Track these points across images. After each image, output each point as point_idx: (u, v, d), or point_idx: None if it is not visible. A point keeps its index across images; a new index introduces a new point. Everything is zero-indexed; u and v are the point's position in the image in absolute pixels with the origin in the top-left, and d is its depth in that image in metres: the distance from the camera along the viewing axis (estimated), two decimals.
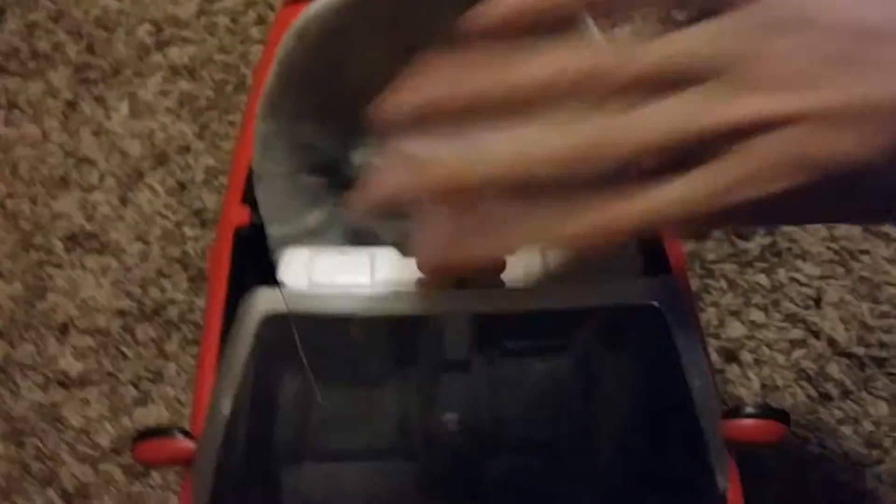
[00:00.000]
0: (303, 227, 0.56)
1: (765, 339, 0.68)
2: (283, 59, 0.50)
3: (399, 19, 0.50)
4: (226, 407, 0.42)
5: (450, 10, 0.48)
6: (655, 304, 0.44)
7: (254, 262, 0.52)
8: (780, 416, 0.46)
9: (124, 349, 0.69)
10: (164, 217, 0.76)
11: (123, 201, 0.77)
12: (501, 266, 0.45)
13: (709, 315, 0.69)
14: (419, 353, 0.57)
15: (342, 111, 0.55)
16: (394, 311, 0.44)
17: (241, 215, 0.55)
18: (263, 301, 0.44)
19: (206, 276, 0.64)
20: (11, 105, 0.84)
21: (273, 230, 0.55)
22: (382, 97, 0.41)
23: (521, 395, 0.57)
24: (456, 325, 0.54)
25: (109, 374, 0.68)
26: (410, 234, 0.57)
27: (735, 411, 0.46)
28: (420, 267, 0.45)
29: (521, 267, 0.45)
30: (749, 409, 0.45)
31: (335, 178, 0.57)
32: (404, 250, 0.49)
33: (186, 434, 0.44)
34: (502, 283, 0.45)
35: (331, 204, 0.57)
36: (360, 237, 0.58)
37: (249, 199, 0.55)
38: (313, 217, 0.56)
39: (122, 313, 0.71)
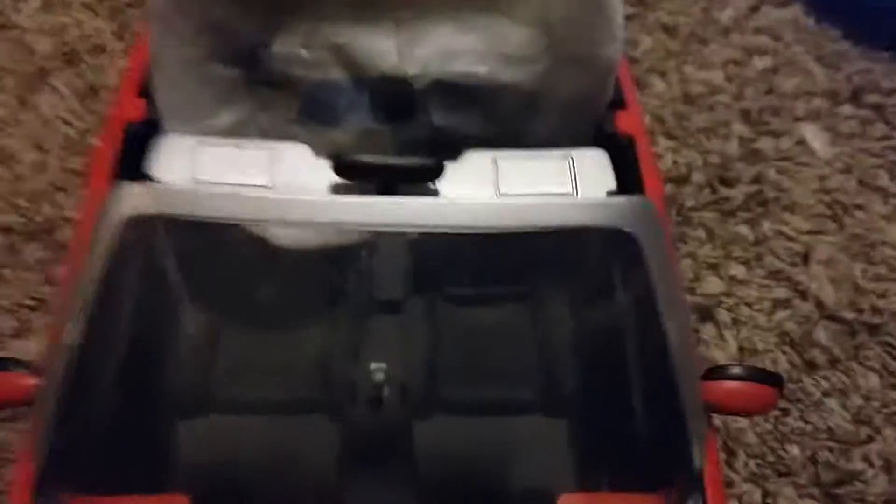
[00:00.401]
0: (210, 129, 0.46)
1: (745, 297, 0.60)
2: None
3: None
4: (73, 333, 0.33)
5: None
6: (628, 229, 0.35)
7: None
8: (772, 380, 0.38)
9: (5, 271, 0.59)
10: (68, 124, 0.66)
11: (22, 103, 0.67)
12: (437, 169, 0.36)
13: (684, 267, 0.60)
14: (344, 288, 0.48)
15: None
16: (297, 218, 0.34)
17: (134, 109, 0.45)
18: (129, 199, 0.34)
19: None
20: None
21: (173, 128, 0.45)
22: None
23: (463, 347, 0.48)
24: (389, 261, 0.45)
25: None
26: (341, 143, 0.48)
27: (718, 371, 0.38)
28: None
29: (464, 176, 0.36)
30: (736, 370, 0.37)
31: (253, 70, 0.47)
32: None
33: (31, 368, 0.35)
34: (435, 193, 0.36)
35: (247, 102, 0.48)
36: None
37: (147, 92, 0.45)
38: (225, 117, 0.47)
39: (7, 230, 0.61)
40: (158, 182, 0.36)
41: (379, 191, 0.36)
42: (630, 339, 0.39)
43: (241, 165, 0.36)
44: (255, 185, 0.36)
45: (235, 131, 0.47)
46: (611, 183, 0.38)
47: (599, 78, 0.45)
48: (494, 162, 0.38)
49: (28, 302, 0.58)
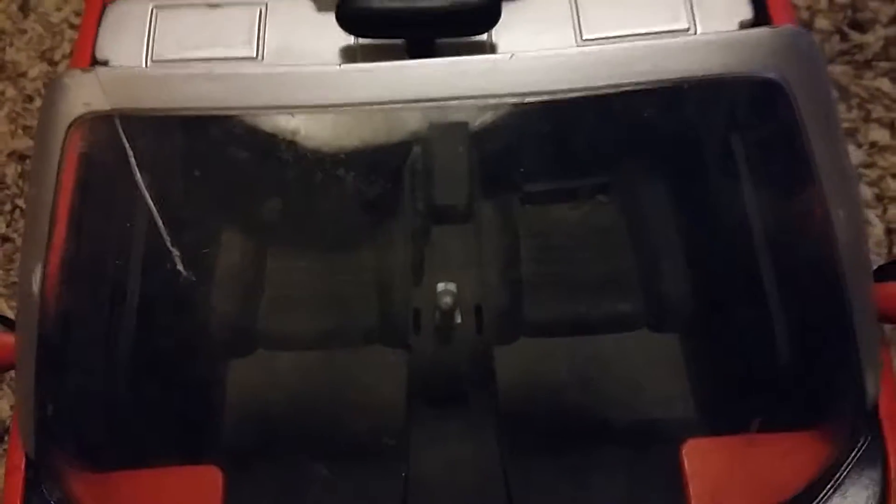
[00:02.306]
0: None
1: (890, 166, 0.48)
2: None
3: None
4: (36, 273, 0.25)
5: None
6: (774, 76, 0.24)
7: None
8: None
9: (21, 203, 0.52)
10: (74, 27, 0.58)
11: (24, 9, 0.59)
12: (491, 11, 0.25)
13: None
14: (396, 195, 0.38)
15: None
16: (299, 102, 0.25)
17: None
18: (75, 92, 0.25)
19: None
20: None
21: None
22: None
23: (548, 256, 0.38)
24: (446, 156, 0.35)
25: (4, 237, 0.52)
26: None
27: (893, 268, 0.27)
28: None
29: (529, 19, 0.26)
30: None
31: None
32: None
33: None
34: (492, 50, 0.26)
35: None
36: None
37: None
38: None
39: (19, 156, 0.54)
40: (108, 66, 0.26)
41: (409, 51, 0.26)
42: (771, 229, 0.29)
43: (215, 32, 0.27)
44: (233, 59, 0.26)
45: None
46: (744, 10, 0.27)
47: None
48: None
49: None
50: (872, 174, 0.49)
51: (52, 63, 0.56)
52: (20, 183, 0.53)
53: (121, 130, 0.25)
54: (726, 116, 0.29)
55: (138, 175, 0.25)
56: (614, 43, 0.26)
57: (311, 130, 0.33)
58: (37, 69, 0.56)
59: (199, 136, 0.27)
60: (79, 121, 0.25)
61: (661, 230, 0.36)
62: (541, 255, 0.37)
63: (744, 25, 0.27)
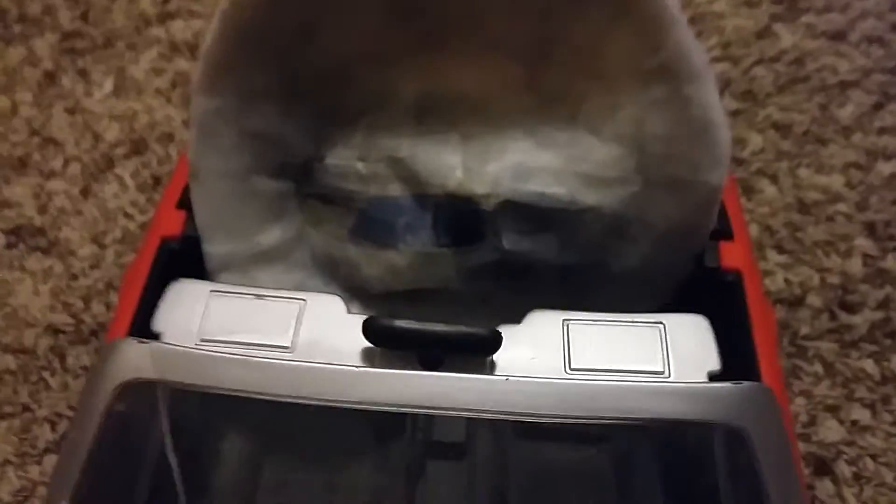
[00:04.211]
0: (256, 247, 0.41)
1: (869, 447, 0.51)
2: (230, 11, 0.36)
3: None
4: None
5: None
6: (737, 424, 0.27)
7: None
8: None
9: (48, 376, 0.55)
10: (129, 217, 0.63)
11: (85, 193, 0.64)
12: (493, 341, 0.29)
13: (797, 408, 0.52)
14: (396, 433, 0.41)
15: (314, 93, 0.40)
16: (320, 397, 0.28)
17: (172, 223, 0.41)
18: (125, 361, 0.29)
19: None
20: None
21: (213, 247, 0.40)
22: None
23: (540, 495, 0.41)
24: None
25: (25, 406, 0.54)
26: (398, 266, 0.42)
27: None
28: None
29: (527, 344, 0.30)
30: None
31: (303, 183, 0.42)
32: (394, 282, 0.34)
33: None
34: (491, 369, 0.30)
35: (296, 218, 0.43)
36: (334, 268, 0.43)
37: (188, 203, 0.41)
38: (271, 234, 0.42)
39: (55, 331, 0.57)
40: (160, 339, 0.30)
41: (422, 361, 0.30)
42: None
43: (258, 320, 0.31)
44: (271, 346, 0.30)
45: (283, 250, 0.42)
46: (713, 361, 0.31)
47: (699, 205, 0.38)
48: (565, 327, 0.31)
49: (69, 412, 0.54)
50: (852, 452, 0.51)
51: (102, 246, 0.61)
52: (50, 356, 0.56)
53: (160, 399, 0.28)
54: (693, 456, 0.32)
55: (169, 440, 0.29)
56: (598, 375, 0.30)
57: None
58: (87, 250, 0.61)
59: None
60: (125, 384, 0.28)
61: None
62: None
63: (711, 375, 0.31)
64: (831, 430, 0.51)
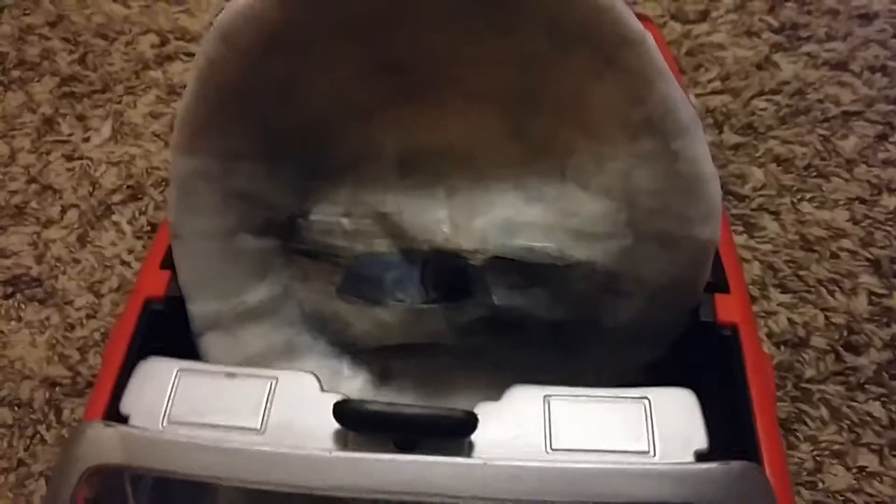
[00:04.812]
0: (241, 306, 0.41)
1: (878, 494, 0.49)
2: (205, 71, 0.35)
3: (372, 26, 0.35)
4: None
5: (440, 17, 0.33)
6: None
7: (167, 349, 0.36)
8: None
9: (43, 430, 0.55)
10: (125, 264, 0.62)
11: (82, 241, 0.64)
12: (468, 424, 0.28)
13: (802, 455, 0.51)
14: None
15: (297, 150, 0.40)
16: (291, 483, 0.28)
17: (155, 283, 0.40)
18: (92, 445, 0.28)
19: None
20: None
21: (198, 307, 0.40)
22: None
23: None
24: None
25: (21, 461, 0.54)
26: (388, 323, 0.41)
27: None
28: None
29: (506, 422, 0.28)
30: None
31: (289, 240, 0.42)
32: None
33: None
34: (469, 450, 0.29)
35: (283, 276, 0.42)
36: (323, 324, 0.43)
37: (172, 262, 0.40)
38: (257, 292, 0.41)
39: (51, 383, 0.57)
40: (129, 422, 0.30)
41: (396, 441, 0.29)
42: None
43: (227, 400, 0.30)
44: (241, 429, 0.29)
45: (270, 307, 0.42)
46: (700, 438, 0.30)
47: (692, 260, 0.37)
48: (546, 403, 0.30)
49: None
50: (858, 500, 0.49)
51: (99, 295, 0.61)
52: (46, 409, 0.56)
53: (127, 485, 0.28)
54: None
55: None
56: (580, 455, 0.29)
57: None
58: (83, 299, 0.60)
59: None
60: (92, 469, 0.28)
61: None
62: None
63: (699, 454, 0.30)
64: (838, 477, 0.50)
